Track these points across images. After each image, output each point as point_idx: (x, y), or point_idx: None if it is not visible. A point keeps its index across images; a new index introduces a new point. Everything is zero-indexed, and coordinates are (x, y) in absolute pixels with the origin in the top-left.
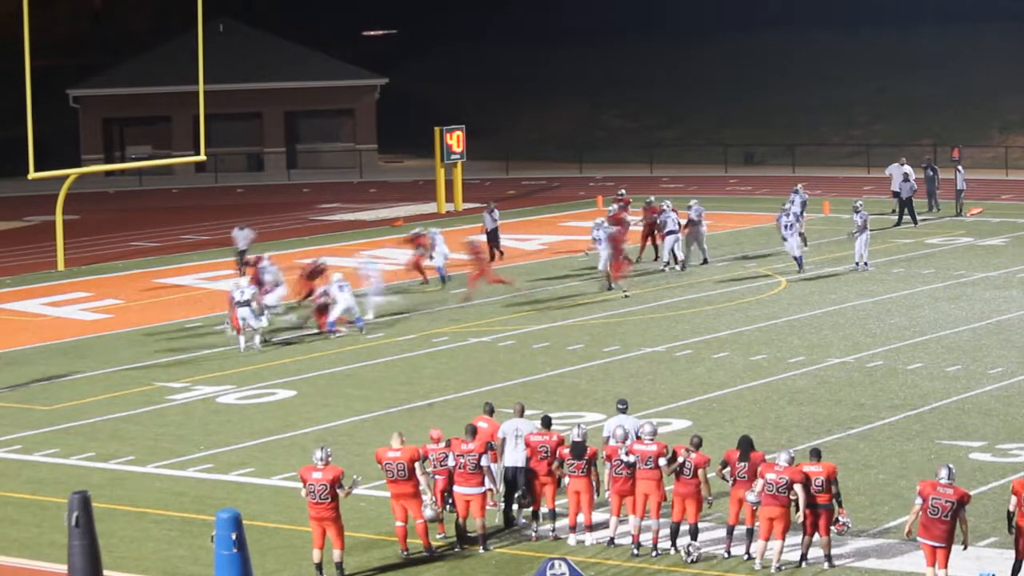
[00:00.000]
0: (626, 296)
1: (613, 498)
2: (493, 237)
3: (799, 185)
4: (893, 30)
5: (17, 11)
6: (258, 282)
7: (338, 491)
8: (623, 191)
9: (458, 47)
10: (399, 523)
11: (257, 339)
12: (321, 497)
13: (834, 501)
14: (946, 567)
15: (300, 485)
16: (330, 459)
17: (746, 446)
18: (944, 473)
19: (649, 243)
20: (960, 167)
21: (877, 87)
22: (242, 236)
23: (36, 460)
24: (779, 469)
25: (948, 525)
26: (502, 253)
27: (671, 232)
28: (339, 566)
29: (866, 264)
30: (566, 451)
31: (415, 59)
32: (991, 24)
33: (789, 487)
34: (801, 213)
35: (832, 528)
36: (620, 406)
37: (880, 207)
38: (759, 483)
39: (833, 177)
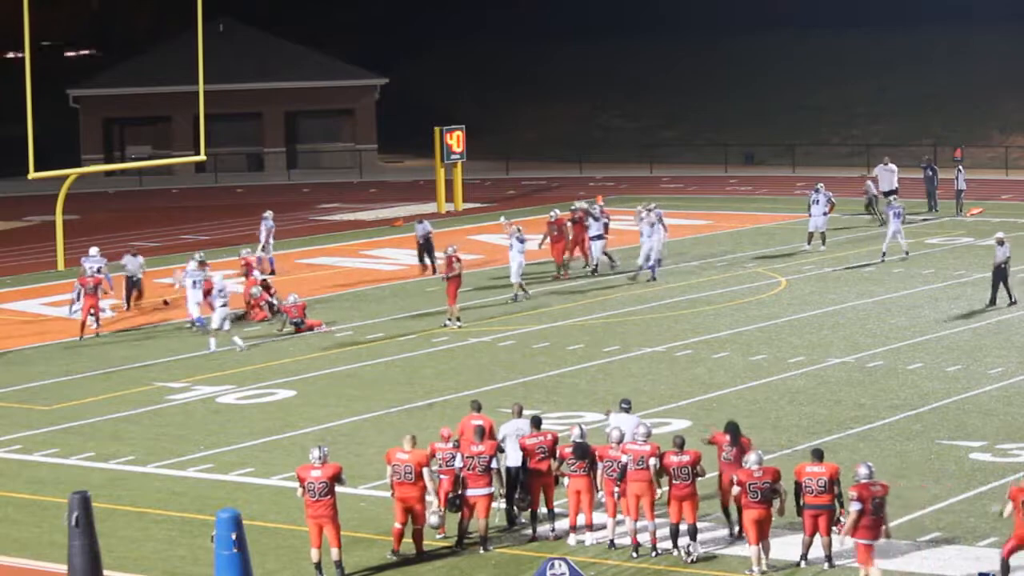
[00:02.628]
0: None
1: (607, 499)
2: (427, 248)
3: (819, 184)
4: (893, 30)
5: (17, 11)
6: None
7: (337, 487)
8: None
9: (458, 47)
10: (397, 525)
11: (213, 341)
12: (321, 495)
13: (835, 502)
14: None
15: (297, 485)
16: (327, 457)
17: (735, 431)
18: (865, 471)
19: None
20: (961, 167)
21: (877, 87)
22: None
23: (36, 460)
24: (758, 474)
25: (883, 521)
26: (431, 268)
27: (598, 236)
28: (338, 564)
29: (907, 253)
30: (568, 450)
31: (415, 59)
32: (991, 24)
33: (772, 488)
34: (827, 212)
35: (833, 528)
36: (624, 405)
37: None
38: (735, 491)
39: (833, 177)
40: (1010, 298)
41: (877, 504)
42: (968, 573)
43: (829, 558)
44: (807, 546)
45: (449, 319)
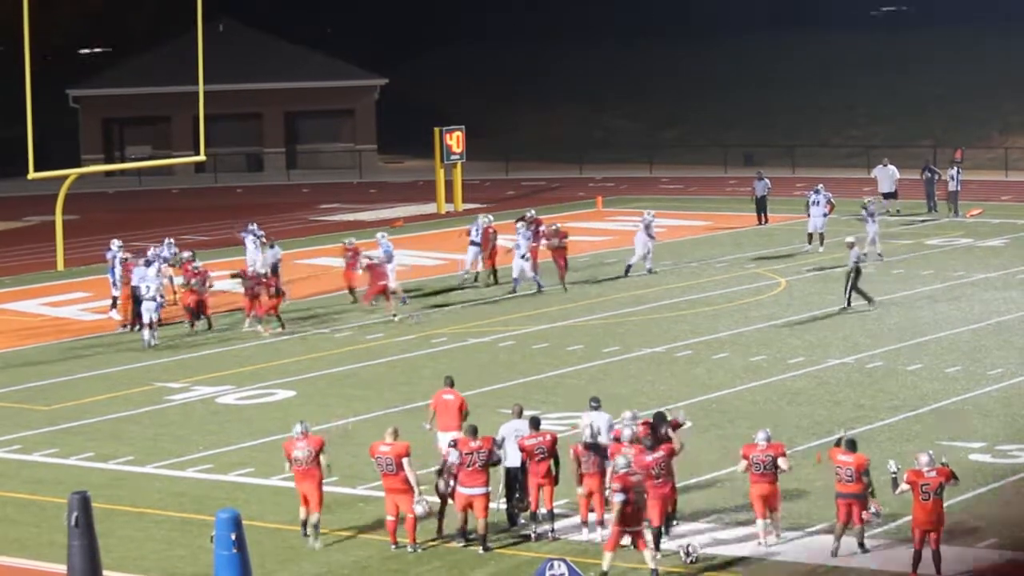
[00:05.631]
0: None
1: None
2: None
3: (819, 185)
4: (893, 30)
5: (17, 11)
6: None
7: (322, 457)
8: (532, 211)
9: (458, 47)
10: (389, 517)
11: (147, 334)
12: (307, 463)
13: (867, 492)
14: None
15: (286, 461)
16: (309, 429)
17: (659, 419)
18: (623, 462)
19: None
20: (956, 168)
21: (877, 88)
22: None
23: (35, 460)
24: (762, 447)
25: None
26: (282, 293)
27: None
28: (316, 527)
29: (879, 256)
30: (581, 448)
31: (415, 59)
32: (991, 25)
33: (775, 463)
34: (827, 212)
35: (863, 514)
36: (593, 404)
37: (877, 207)
38: (741, 464)
39: (834, 178)
40: (847, 303)
41: (639, 492)
42: (967, 572)
43: (862, 544)
44: (839, 534)
45: (395, 314)
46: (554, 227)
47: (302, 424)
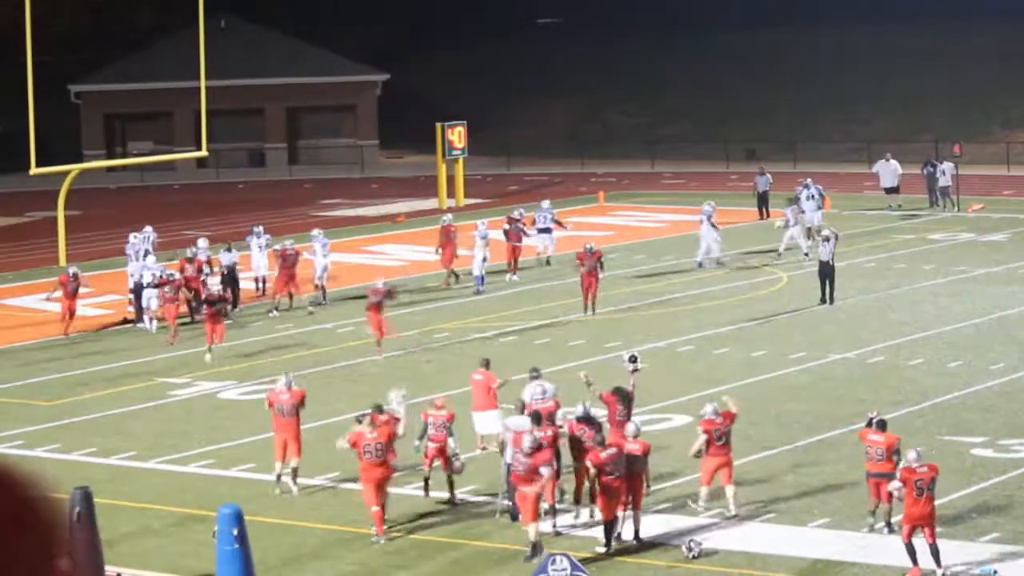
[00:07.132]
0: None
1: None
2: (232, 280)
3: (808, 180)
4: (894, 26)
5: (19, 6)
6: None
7: (300, 412)
8: (519, 210)
9: (459, 43)
10: (375, 508)
11: (148, 322)
12: (288, 414)
13: (896, 470)
14: None
15: (268, 408)
16: (293, 383)
17: (623, 395)
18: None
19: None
20: (948, 163)
21: (878, 83)
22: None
23: (38, 455)
24: (719, 420)
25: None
26: (233, 304)
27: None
28: (294, 471)
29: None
30: (575, 423)
31: (417, 55)
32: (992, 20)
33: (729, 434)
34: (820, 206)
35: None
36: (532, 373)
37: (879, 203)
38: (701, 439)
39: (835, 173)
40: (830, 299)
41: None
42: (967, 567)
43: (888, 524)
44: (874, 509)
45: (276, 308)
46: (588, 247)
47: (286, 376)
